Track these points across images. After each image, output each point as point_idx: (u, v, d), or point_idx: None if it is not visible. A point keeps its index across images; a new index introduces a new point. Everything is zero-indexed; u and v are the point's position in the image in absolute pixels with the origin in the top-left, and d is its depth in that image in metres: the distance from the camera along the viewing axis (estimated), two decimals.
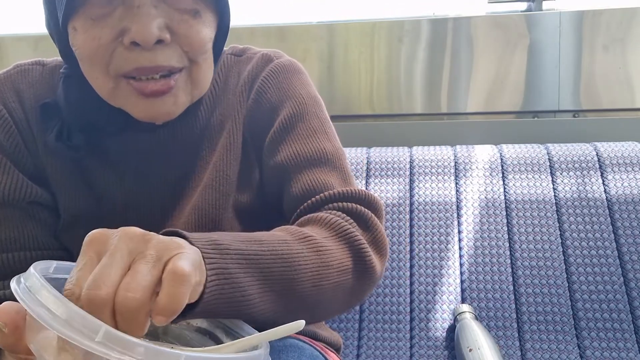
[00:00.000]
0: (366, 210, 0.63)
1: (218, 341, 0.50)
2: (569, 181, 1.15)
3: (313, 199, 0.64)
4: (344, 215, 0.62)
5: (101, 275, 0.38)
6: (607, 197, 1.12)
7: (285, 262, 0.52)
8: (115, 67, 0.59)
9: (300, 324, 0.44)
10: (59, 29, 0.61)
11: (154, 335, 0.52)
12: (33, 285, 0.37)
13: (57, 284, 0.41)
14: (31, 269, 0.40)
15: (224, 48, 0.71)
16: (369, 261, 0.60)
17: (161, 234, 0.44)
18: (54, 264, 0.45)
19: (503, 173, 1.18)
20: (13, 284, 0.39)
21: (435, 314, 1.07)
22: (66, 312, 0.35)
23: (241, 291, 0.48)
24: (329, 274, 0.56)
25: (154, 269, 0.39)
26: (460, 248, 1.12)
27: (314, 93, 0.74)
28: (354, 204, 0.63)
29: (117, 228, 0.42)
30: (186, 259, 0.40)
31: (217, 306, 0.46)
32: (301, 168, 0.67)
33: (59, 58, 0.73)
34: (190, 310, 0.45)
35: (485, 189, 1.16)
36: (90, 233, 0.41)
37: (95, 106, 0.64)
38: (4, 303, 0.42)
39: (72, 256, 0.69)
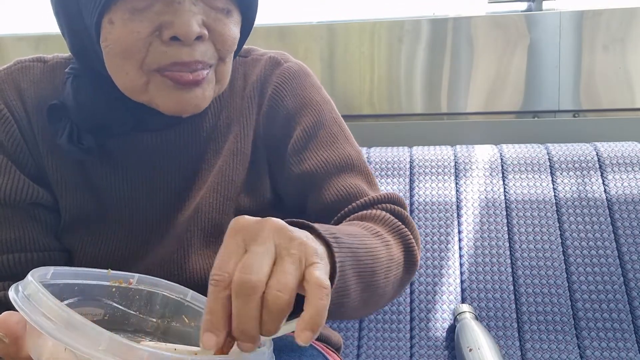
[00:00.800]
0: (403, 210, 0.66)
1: None
2: (569, 181, 1.15)
3: (354, 203, 0.66)
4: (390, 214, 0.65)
5: (253, 262, 0.38)
6: (607, 197, 1.12)
7: (370, 256, 0.54)
8: (151, 62, 0.59)
9: None
10: (80, 27, 0.61)
11: (155, 335, 0.52)
12: (32, 293, 0.37)
13: (55, 289, 0.41)
14: (29, 276, 0.39)
15: None
16: (415, 256, 0.64)
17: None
18: (51, 270, 0.45)
19: (503, 173, 1.18)
20: (11, 292, 0.38)
21: (435, 314, 1.07)
22: (67, 320, 0.35)
23: (343, 281, 0.49)
24: (393, 267, 0.59)
25: (296, 271, 0.39)
26: (460, 248, 1.12)
27: (326, 96, 0.75)
28: (391, 205, 0.66)
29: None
30: (323, 269, 0.41)
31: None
32: (331, 175, 0.68)
33: (60, 55, 0.72)
34: None
35: (485, 189, 1.16)
36: (236, 219, 0.42)
37: (106, 107, 0.64)
38: (3, 313, 0.42)
39: (72, 257, 0.69)
